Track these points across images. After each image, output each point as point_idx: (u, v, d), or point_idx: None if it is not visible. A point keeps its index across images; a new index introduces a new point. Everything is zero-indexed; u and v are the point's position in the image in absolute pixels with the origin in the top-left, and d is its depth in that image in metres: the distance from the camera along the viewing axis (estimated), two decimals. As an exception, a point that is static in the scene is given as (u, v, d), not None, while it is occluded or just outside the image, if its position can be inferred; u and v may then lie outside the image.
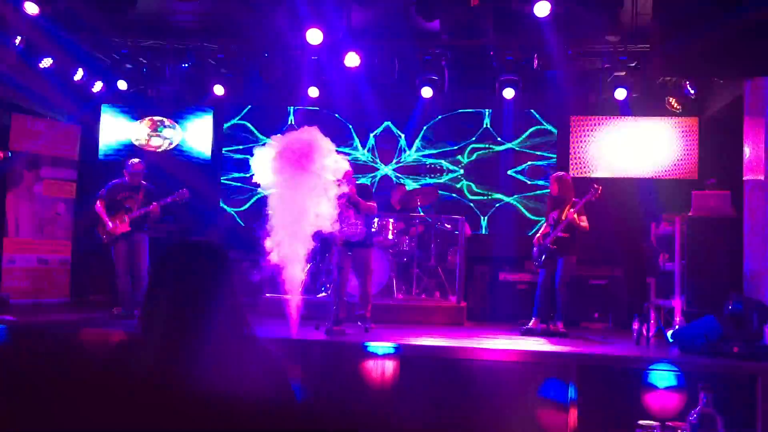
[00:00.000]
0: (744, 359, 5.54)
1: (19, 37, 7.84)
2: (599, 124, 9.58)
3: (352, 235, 6.87)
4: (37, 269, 8.87)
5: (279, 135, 6.47)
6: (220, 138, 10.41)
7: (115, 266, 7.52)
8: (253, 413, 1.07)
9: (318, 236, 6.44)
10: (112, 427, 1.06)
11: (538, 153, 10.02)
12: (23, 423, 1.07)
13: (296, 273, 6.16)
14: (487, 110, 10.11)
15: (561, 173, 7.68)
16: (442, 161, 10.25)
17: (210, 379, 1.80)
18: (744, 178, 7.02)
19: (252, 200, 10.15)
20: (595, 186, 7.17)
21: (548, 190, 7.69)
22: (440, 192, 9.92)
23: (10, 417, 1.07)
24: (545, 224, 7.59)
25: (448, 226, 9.16)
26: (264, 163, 6.19)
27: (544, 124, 10.00)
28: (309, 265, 8.20)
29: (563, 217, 7.25)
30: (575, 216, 7.11)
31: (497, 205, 10.10)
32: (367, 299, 7.06)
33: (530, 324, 7.33)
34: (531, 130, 10.03)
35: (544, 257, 7.35)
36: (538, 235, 7.55)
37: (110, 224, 7.44)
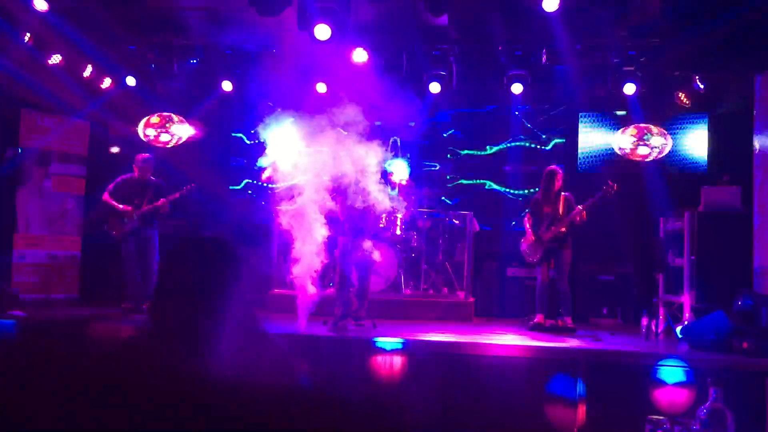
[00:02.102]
0: (754, 355, 5.52)
1: (28, 34, 7.87)
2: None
3: (363, 225, 6.93)
4: (47, 265, 8.90)
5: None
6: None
7: (124, 262, 7.55)
8: (262, 407, 1.07)
9: (329, 219, 6.48)
10: (120, 422, 1.06)
11: (547, 148, 9.98)
12: (34, 418, 1.07)
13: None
14: (494, 105, 10.06)
15: (557, 167, 7.59)
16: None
17: (219, 375, 1.80)
18: (754, 174, 6.99)
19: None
20: (610, 182, 7.12)
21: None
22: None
23: (21, 412, 1.08)
24: (530, 219, 7.50)
25: (456, 222, 9.14)
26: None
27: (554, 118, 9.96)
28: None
29: (560, 212, 7.23)
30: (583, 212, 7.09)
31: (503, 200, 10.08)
32: (364, 295, 7.06)
33: (536, 319, 7.32)
34: (539, 124, 9.99)
35: (542, 253, 7.32)
36: (528, 231, 7.45)
37: (121, 214, 7.45)
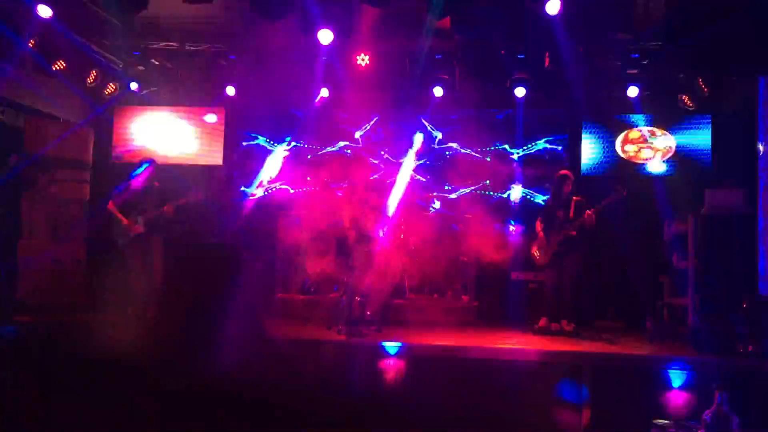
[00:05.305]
0: (759, 358, 5.50)
1: (32, 41, 7.90)
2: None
3: (366, 230, 6.95)
4: (52, 271, 8.91)
5: None
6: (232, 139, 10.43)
7: (128, 267, 7.55)
8: (267, 409, 1.07)
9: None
10: (126, 425, 1.07)
11: (551, 151, 9.96)
12: (39, 420, 1.08)
13: None
14: (497, 108, 10.04)
15: (568, 172, 7.62)
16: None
17: (224, 378, 1.81)
18: (758, 176, 6.97)
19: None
20: (619, 187, 7.12)
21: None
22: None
23: (27, 414, 1.08)
24: (542, 223, 7.50)
25: (458, 226, 9.13)
26: None
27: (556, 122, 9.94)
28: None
29: (572, 216, 7.23)
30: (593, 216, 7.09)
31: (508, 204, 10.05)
32: (376, 299, 7.08)
33: (541, 323, 7.31)
34: (542, 127, 9.97)
35: (552, 257, 7.32)
36: (540, 235, 7.46)
37: (125, 220, 7.46)
